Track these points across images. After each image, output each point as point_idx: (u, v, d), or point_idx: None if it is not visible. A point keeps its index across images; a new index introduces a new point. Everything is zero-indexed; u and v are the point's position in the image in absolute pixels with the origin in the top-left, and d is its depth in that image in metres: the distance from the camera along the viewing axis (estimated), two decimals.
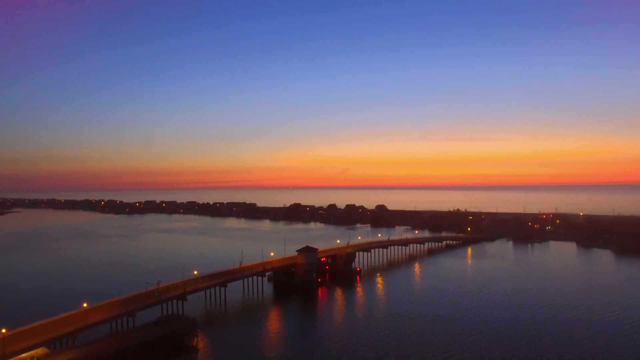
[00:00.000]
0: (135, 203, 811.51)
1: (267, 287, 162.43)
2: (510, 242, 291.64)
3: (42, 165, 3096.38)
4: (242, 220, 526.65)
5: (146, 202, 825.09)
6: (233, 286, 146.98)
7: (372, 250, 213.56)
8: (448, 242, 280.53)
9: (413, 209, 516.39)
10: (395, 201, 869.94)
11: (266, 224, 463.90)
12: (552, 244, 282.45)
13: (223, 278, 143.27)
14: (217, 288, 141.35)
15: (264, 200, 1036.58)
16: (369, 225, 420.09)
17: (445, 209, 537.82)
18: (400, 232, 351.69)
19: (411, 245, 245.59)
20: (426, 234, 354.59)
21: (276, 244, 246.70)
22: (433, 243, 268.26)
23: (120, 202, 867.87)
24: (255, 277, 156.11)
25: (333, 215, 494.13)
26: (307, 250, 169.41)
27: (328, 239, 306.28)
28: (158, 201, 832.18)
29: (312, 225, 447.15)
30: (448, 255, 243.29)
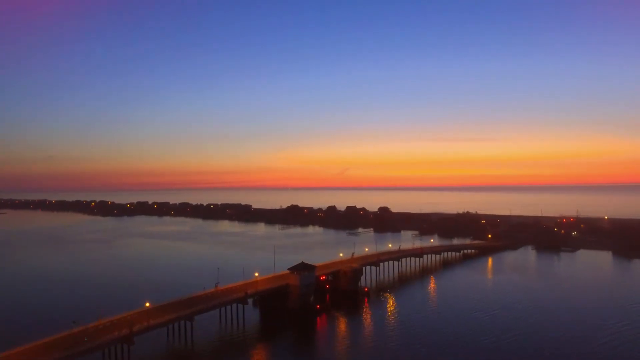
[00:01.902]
0: (126, 204, 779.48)
1: (251, 317, 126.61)
2: (534, 251, 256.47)
3: (42, 166, 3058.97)
4: (236, 223, 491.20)
5: (138, 203, 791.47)
6: (203, 319, 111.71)
7: (382, 264, 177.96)
8: (466, 251, 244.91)
9: (419, 212, 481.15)
10: (398, 203, 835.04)
11: (261, 228, 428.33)
12: (584, 254, 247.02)
13: (189, 309, 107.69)
14: (181, 323, 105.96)
15: (261, 201, 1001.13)
16: (372, 229, 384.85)
17: (452, 211, 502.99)
18: (408, 239, 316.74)
19: (425, 256, 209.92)
20: (435, 239, 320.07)
21: (268, 254, 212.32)
22: (449, 253, 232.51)
23: (112, 202, 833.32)
24: (234, 306, 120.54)
25: (333, 218, 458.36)
26: (302, 268, 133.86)
27: (328, 247, 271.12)
28: (150, 202, 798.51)
29: (310, 229, 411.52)
30: (467, 268, 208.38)
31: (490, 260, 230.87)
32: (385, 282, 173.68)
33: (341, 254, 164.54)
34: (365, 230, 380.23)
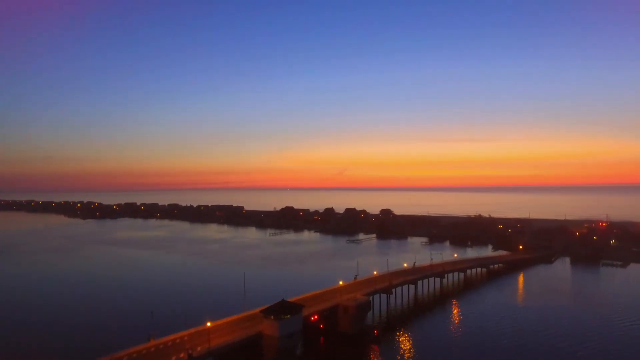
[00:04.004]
0: (113, 205, 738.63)
1: None
2: (572, 265, 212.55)
3: (42, 166, 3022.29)
4: (225, 227, 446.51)
5: (125, 204, 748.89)
6: None
7: (394, 290, 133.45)
8: (492, 266, 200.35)
9: (426, 214, 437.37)
10: (400, 204, 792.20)
11: (250, 233, 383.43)
12: (636, 268, 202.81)
13: None
14: None
15: (258, 202, 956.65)
16: (374, 235, 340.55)
17: (461, 214, 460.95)
18: (417, 247, 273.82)
19: (447, 275, 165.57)
20: (448, 247, 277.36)
21: (247, 271, 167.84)
22: (474, 270, 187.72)
23: (100, 204, 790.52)
24: None
25: (330, 222, 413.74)
26: (282, 310, 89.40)
27: (323, 259, 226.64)
28: (139, 203, 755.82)
29: (305, 235, 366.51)
30: (496, 289, 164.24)
31: (521, 277, 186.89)
32: (399, 314, 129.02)
33: (341, 281, 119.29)
34: (367, 236, 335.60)
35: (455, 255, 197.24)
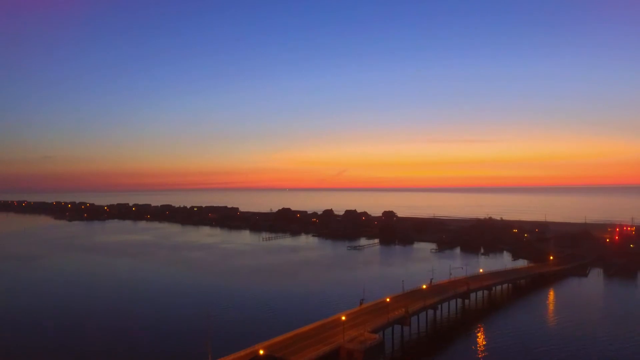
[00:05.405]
0: (104, 207, 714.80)
1: None
2: (607, 279, 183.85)
3: (40, 166, 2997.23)
4: (217, 230, 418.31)
5: (117, 205, 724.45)
6: None
7: (410, 318, 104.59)
8: (519, 281, 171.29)
9: (431, 216, 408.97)
10: (401, 205, 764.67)
11: (242, 237, 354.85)
12: None
13: None
14: None
15: (254, 203, 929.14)
16: (377, 240, 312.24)
17: (466, 215, 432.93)
18: (425, 255, 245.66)
19: (472, 294, 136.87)
20: (458, 254, 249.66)
21: (227, 289, 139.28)
22: (500, 286, 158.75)
23: (91, 205, 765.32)
24: None
25: (329, 225, 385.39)
26: None
27: (321, 271, 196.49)
28: (131, 204, 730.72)
29: (303, 239, 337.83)
30: (525, 310, 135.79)
31: (552, 294, 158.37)
32: (417, 351, 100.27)
33: (343, 317, 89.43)
34: (370, 242, 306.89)
35: (481, 270, 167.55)
